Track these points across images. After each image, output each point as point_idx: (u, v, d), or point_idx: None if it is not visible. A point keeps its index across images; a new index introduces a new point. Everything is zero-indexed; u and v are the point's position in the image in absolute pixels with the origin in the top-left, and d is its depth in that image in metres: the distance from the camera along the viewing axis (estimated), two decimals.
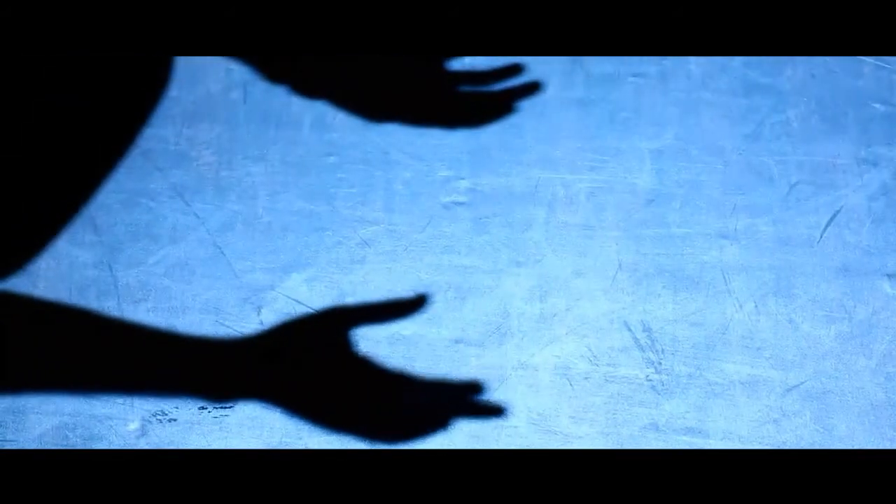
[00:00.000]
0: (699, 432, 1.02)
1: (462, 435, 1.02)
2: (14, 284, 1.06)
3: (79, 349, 1.04)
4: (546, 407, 1.03)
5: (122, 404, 1.03)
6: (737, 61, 1.16)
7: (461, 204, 1.11)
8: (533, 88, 1.13)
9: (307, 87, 1.14)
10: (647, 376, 1.04)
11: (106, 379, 1.03)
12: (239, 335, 1.05)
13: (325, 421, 1.02)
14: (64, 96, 1.13)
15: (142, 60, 1.14)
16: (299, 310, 1.06)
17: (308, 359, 1.04)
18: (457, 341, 1.05)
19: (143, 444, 1.02)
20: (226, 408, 1.02)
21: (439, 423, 1.02)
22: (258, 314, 1.06)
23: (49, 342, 1.04)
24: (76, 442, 1.02)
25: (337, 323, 1.06)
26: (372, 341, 1.05)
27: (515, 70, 1.13)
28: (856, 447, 1.01)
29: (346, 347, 1.05)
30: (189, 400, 1.02)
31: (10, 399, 1.03)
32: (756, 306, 1.06)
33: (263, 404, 1.03)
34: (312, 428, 1.02)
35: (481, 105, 1.14)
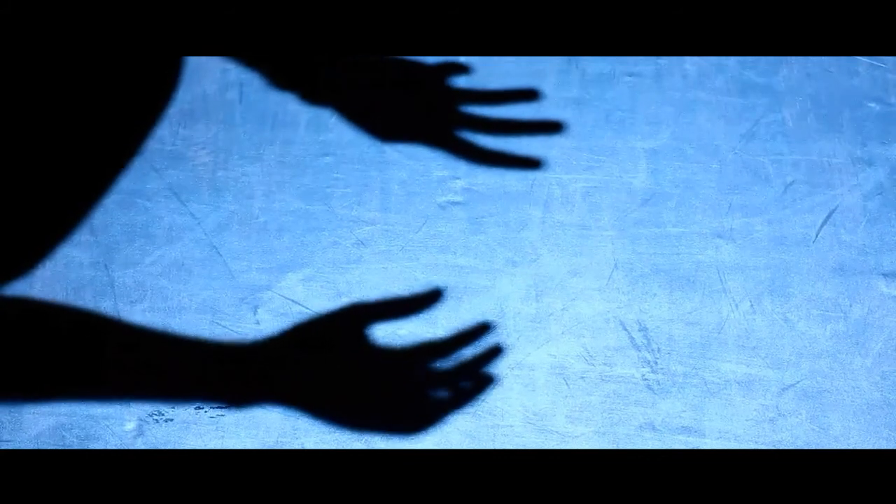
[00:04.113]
0: (695, 431, 1.02)
1: (458, 434, 1.02)
2: (11, 285, 1.06)
3: (75, 352, 1.04)
4: (542, 406, 1.03)
5: (119, 404, 1.03)
6: (732, 61, 1.16)
7: (457, 204, 1.11)
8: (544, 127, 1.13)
9: (307, 91, 1.15)
10: (643, 375, 1.04)
11: (103, 382, 1.03)
12: (239, 338, 1.05)
13: (322, 420, 1.02)
14: (66, 97, 1.13)
15: (150, 62, 1.14)
16: (296, 310, 1.06)
17: (307, 358, 1.04)
18: (454, 341, 1.05)
19: (139, 445, 1.02)
20: (222, 407, 1.03)
21: (436, 421, 1.02)
22: (255, 314, 1.06)
23: (46, 345, 1.04)
24: (73, 442, 1.02)
25: (338, 322, 1.06)
26: (368, 340, 1.05)
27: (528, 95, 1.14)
28: (851, 447, 1.02)
29: (345, 347, 1.05)
30: (191, 403, 1.02)
31: (6, 398, 1.03)
32: (752, 305, 1.06)
33: (260, 404, 1.03)
34: (309, 428, 1.02)
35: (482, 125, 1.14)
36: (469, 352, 1.05)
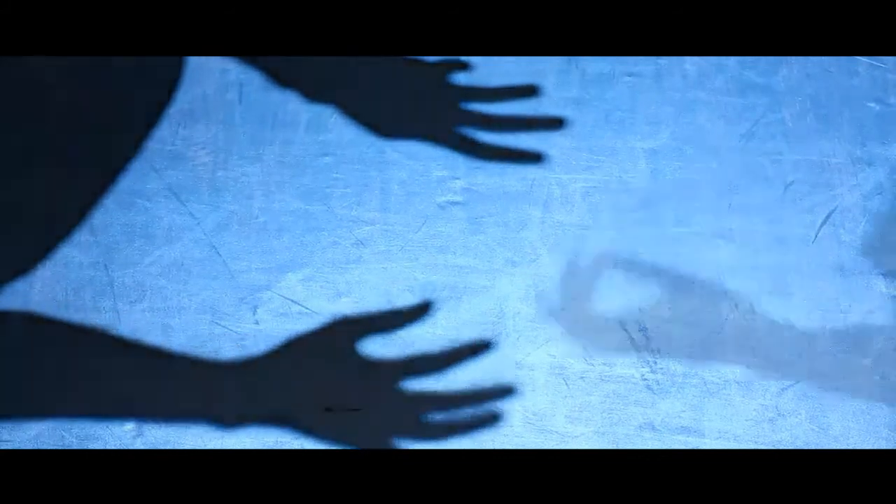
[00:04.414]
0: (694, 432, 1.02)
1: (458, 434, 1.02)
2: (11, 286, 1.06)
3: (73, 363, 1.04)
4: (542, 406, 1.03)
5: (118, 405, 1.03)
6: (732, 61, 1.16)
7: (456, 204, 1.11)
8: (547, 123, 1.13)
9: (309, 90, 1.15)
10: (643, 376, 1.04)
11: (106, 377, 1.03)
12: (235, 356, 1.05)
13: (321, 420, 1.02)
14: (66, 97, 1.13)
15: (149, 62, 1.15)
16: (295, 310, 1.06)
17: (305, 357, 1.04)
18: (452, 341, 1.05)
19: (138, 445, 1.02)
20: (219, 429, 1.03)
21: (435, 422, 1.02)
22: (254, 314, 1.06)
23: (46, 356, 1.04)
24: (72, 442, 1.02)
25: (337, 326, 1.06)
26: (367, 341, 1.05)
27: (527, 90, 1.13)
28: (851, 447, 1.02)
29: (344, 348, 1.05)
30: (194, 426, 1.03)
31: (5, 398, 1.03)
32: (751, 305, 1.06)
33: (259, 403, 1.03)
34: (306, 428, 1.02)
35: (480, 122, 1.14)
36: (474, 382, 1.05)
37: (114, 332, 1.05)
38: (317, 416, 1.02)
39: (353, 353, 1.04)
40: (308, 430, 1.02)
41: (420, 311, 1.06)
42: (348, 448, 1.01)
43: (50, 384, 1.03)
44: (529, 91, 1.13)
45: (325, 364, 1.04)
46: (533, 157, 1.10)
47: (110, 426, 1.02)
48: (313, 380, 1.03)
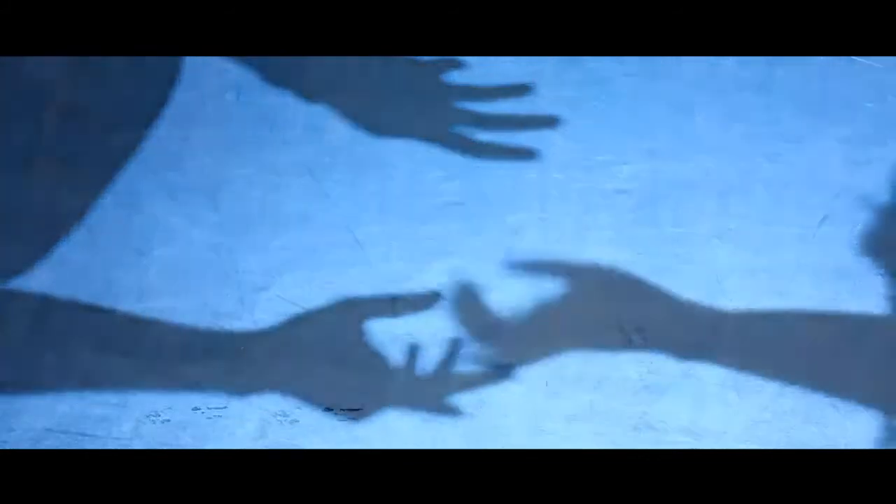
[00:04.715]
0: (693, 432, 1.02)
1: (457, 435, 1.02)
2: (9, 284, 1.07)
3: (74, 349, 1.04)
4: (541, 407, 1.04)
5: (116, 405, 1.03)
6: (730, 61, 1.16)
7: (455, 204, 1.11)
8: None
9: (307, 90, 1.15)
10: (641, 376, 1.04)
11: (104, 378, 1.03)
12: (239, 331, 1.05)
13: (318, 420, 1.03)
14: (65, 97, 1.13)
15: (148, 62, 1.15)
16: (293, 310, 1.06)
17: (304, 357, 1.05)
18: (451, 342, 1.05)
19: (136, 445, 1.02)
20: (219, 408, 1.03)
21: (433, 422, 1.03)
22: (252, 315, 1.06)
23: (45, 341, 1.05)
24: (69, 442, 1.02)
25: (336, 321, 1.06)
26: (367, 341, 1.05)
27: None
28: (848, 447, 1.02)
29: (342, 347, 1.05)
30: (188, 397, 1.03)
31: (3, 399, 1.03)
32: (750, 306, 1.06)
33: (258, 403, 1.03)
34: (308, 427, 1.03)
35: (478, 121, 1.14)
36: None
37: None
38: (317, 416, 1.03)
39: (353, 353, 1.05)
40: (307, 430, 1.02)
41: (428, 300, 1.06)
42: (348, 448, 1.02)
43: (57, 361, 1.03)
44: (523, 90, 1.13)
45: (325, 364, 1.04)
46: (530, 156, 1.10)
47: (108, 426, 1.02)
48: (313, 379, 1.03)
